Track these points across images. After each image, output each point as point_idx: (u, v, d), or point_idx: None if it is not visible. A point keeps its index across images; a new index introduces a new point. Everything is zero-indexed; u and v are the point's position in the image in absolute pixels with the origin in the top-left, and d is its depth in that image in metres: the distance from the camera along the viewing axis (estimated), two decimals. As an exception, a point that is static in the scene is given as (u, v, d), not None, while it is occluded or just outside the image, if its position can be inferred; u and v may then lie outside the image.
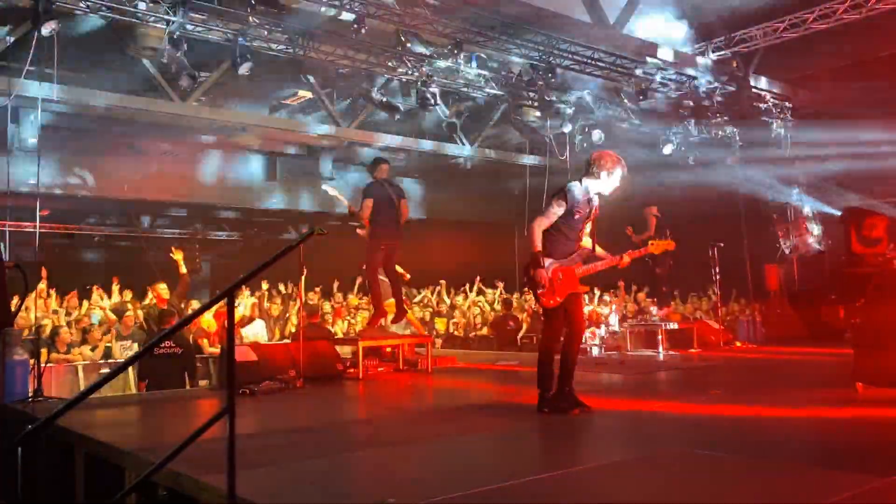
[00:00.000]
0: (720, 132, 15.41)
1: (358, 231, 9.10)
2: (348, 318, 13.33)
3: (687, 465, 3.93)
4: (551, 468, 3.73)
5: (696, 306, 15.08)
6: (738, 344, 12.68)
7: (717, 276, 12.27)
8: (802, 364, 9.81)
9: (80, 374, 9.04)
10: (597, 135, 14.33)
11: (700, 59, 13.67)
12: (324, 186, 9.89)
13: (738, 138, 15.77)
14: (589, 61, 12.57)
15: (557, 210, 5.47)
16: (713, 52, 13.86)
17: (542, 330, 5.86)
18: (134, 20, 9.62)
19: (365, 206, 8.65)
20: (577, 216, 5.51)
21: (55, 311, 10.47)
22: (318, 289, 14.27)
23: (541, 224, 5.48)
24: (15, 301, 5.91)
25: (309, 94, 13.63)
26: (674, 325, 11.95)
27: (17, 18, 9.84)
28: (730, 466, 3.84)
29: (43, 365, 6.94)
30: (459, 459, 4.26)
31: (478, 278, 16.27)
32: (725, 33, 13.58)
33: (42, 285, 9.85)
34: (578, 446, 4.67)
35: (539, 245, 5.45)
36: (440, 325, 14.81)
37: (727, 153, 16.00)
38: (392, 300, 9.26)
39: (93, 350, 9.34)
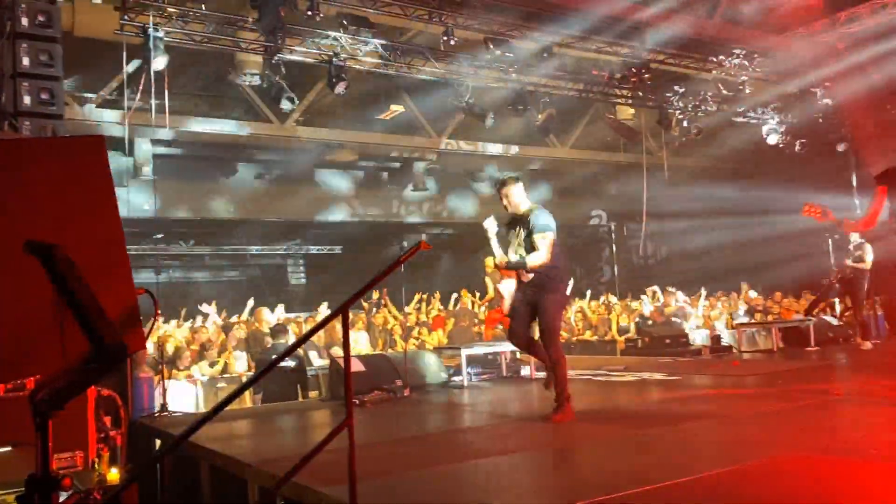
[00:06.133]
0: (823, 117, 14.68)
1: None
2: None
3: (806, 469, 3.74)
4: (674, 475, 3.62)
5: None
6: (860, 341, 11.96)
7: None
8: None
9: (200, 389, 9.47)
10: (694, 129, 13.93)
11: (801, 44, 13.06)
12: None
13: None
14: (684, 54, 12.25)
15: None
16: (816, 34, 13.20)
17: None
18: (235, 48, 10.05)
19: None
20: None
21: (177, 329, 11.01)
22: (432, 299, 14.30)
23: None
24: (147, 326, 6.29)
25: (402, 108, 13.85)
26: (788, 324, 11.40)
27: (127, 55, 10.47)
28: (853, 469, 3.62)
29: (166, 382, 7.32)
30: (577, 467, 4.21)
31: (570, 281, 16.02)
32: (829, 13, 12.91)
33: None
34: (693, 453, 4.51)
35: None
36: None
37: (835, 138, 15.21)
38: None
39: (211, 366, 9.77)
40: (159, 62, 9.38)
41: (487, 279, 10.81)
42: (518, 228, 5.61)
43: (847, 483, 3.45)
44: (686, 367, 9.72)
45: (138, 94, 9.96)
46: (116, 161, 11.48)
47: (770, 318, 13.74)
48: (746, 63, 12.80)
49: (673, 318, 13.32)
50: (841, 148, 15.18)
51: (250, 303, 11.98)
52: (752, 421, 5.44)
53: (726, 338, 12.91)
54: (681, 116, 13.92)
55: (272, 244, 19.29)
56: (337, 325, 9.38)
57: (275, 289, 18.57)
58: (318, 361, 10.32)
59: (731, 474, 3.67)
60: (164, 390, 7.10)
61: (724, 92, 13.86)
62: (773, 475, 3.67)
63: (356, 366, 7.93)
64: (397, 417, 6.78)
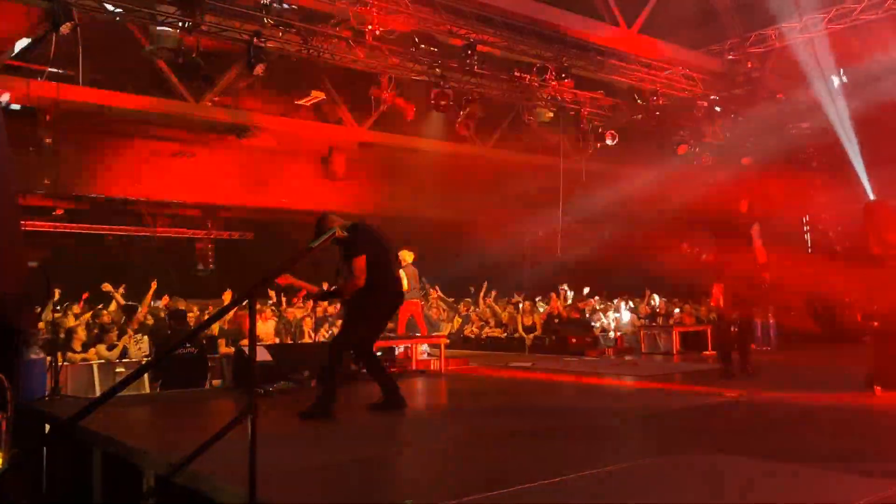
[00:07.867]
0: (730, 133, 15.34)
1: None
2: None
3: (705, 467, 3.91)
4: (569, 470, 3.72)
5: (710, 309, 15.01)
6: (752, 346, 12.58)
7: None
8: (818, 367, 9.75)
9: (96, 372, 9.10)
10: (610, 137, 14.28)
11: (714, 60, 13.61)
12: None
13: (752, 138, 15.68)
14: (602, 62, 12.56)
15: None
16: (728, 52, 13.77)
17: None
18: (150, 21, 9.67)
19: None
20: None
21: (74, 314, 10.54)
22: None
23: None
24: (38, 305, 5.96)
25: (323, 95, 13.65)
26: (687, 328, 11.90)
27: (35, 20, 9.91)
28: (746, 469, 3.81)
29: (59, 364, 6.99)
30: (476, 461, 4.26)
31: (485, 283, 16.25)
32: (740, 34, 13.49)
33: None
34: (594, 448, 4.64)
35: None
36: (446, 326, 14.78)
37: (741, 153, 15.90)
38: None
39: (109, 349, 9.39)
40: (66, 28, 8.91)
41: (402, 272, 10.73)
42: None
43: (736, 482, 3.63)
44: (589, 366, 10.00)
45: (49, 62, 9.44)
46: (16, 132, 10.84)
47: (671, 321, 14.28)
48: (660, 74, 13.24)
49: (576, 317, 13.70)
50: (745, 162, 15.89)
51: (152, 287, 11.57)
52: (644, 420, 5.65)
53: (629, 339, 13.36)
54: (597, 123, 14.26)
55: (180, 227, 18.68)
56: (243, 313, 9.19)
57: (181, 274, 17.99)
58: (223, 349, 10.08)
59: (622, 472, 3.80)
60: (57, 373, 6.78)
61: (639, 101, 14.28)
62: (664, 474, 3.81)
63: (263, 355, 7.78)
64: (301, 408, 6.69)
